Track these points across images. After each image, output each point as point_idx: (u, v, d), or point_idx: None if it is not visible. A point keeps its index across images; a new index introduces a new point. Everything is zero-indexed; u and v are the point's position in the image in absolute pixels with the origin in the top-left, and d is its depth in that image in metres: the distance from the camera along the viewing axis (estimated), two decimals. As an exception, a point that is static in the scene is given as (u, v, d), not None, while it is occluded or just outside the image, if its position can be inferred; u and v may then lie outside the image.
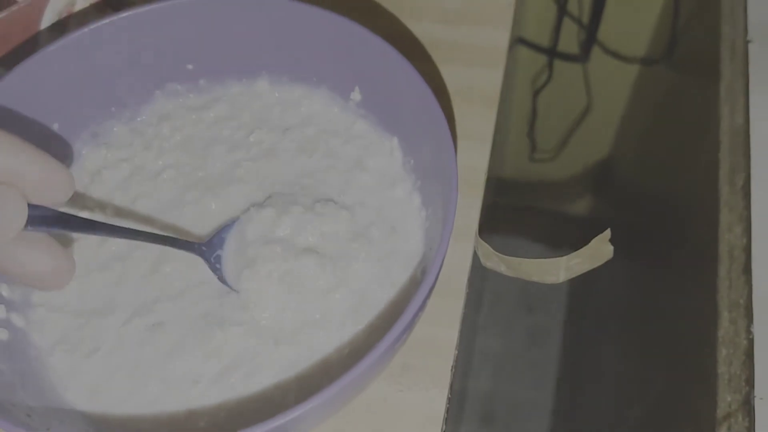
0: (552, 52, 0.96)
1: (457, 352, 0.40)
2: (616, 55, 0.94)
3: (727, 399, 0.42)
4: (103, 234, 0.34)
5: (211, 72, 0.46)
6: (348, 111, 0.45)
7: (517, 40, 0.92)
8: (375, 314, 0.38)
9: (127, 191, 0.43)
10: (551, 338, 1.16)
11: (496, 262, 0.44)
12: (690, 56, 0.78)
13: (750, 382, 0.40)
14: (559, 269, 0.43)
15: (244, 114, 0.46)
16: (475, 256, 0.45)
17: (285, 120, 0.46)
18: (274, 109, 0.46)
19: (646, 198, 0.90)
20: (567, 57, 0.96)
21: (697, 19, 0.77)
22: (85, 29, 0.40)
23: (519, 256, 0.44)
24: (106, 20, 0.41)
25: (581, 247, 0.43)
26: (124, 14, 0.41)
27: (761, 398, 0.39)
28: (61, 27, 0.44)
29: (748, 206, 0.45)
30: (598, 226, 0.44)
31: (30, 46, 0.43)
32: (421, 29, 0.52)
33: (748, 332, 0.41)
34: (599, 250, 0.43)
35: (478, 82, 0.50)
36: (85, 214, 0.42)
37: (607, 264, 0.45)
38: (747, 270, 0.43)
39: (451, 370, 0.39)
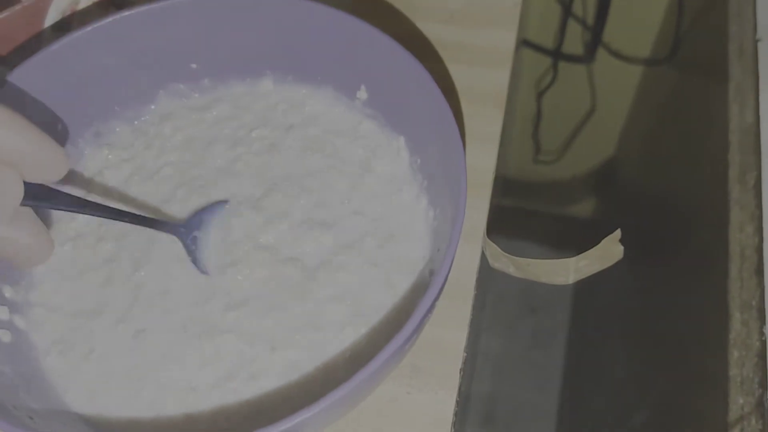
0: (556, 54, 0.96)
1: (465, 354, 0.40)
2: (620, 56, 0.93)
3: (739, 402, 0.41)
4: (87, 212, 0.35)
5: (214, 71, 0.45)
6: (354, 110, 0.45)
7: (522, 42, 0.91)
8: (378, 318, 0.38)
9: (127, 191, 0.43)
10: (555, 340, 1.16)
11: (504, 263, 0.44)
12: (695, 56, 0.78)
13: (763, 384, 0.39)
14: (568, 270, 0.43)
15: (246, 114, 0.46)
16: (482, 258, 0.44)
17: (288, 119, 0.45)
18: (277, 107, 0.46)
19: (651, 199, 0.90)
20: (571, 58, 0.95)
21: (702, 19, 0.77)
22: (89, 28, 0.40)
23: (523, 257, 0.43)
24: (110, 19, 0.40)
25: (585, 249, 0.43)
26: (127, 13, 0.41)
27: (774, 400, 0.39)
28: (65, 26, 0.44)
29: (759, 205, 0.44)
30: (602, 228, 0.44)
31: (34, 44, 0.43)
32: (427, 29, 0.52)
33: (761, 334, 0.41)
34: (609, 251, 0.42)
35: (485, 82, 0.49)
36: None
37: (612, 265, 0.44)
38: (759, 270, 0.43)
39: (460, 371, 0.39)
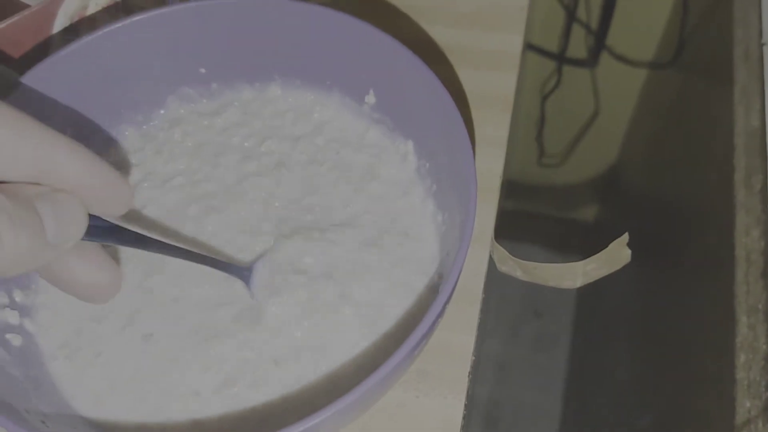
0: (560, 58, 0.96)
1: (474, 358, 0.40)
2: (624, 59, 0.93)
3: (746, 405, 0.41)
4: (154, 251, 0.34)
5: (223, 75, 0.45)
6: (362, 116, 0.45)
7: (526, 46, 0.91)
8: (391, 324, 0.38)
9: (137, 197, 0.43)
10: (558, 343, 1.16)
11: (511, 266, 0.44)
12: (699, 60, 0.78)
13: (771, 387, 0.39)
14: (576, 274, 0.43)
15: (255, 121, 0.46)
16: (490, 261, 0.44)
17: (297, 128, 0.45)
18: (286, 116, 0.46)
19: (655, 203, 0.90)
20: (575, 62, 0.96)
21: (706, 23, 0.77)
22: (98, 33, 0.40)
23: (528, 261, 0.43)
24: (118, 24, 0.40)
25: (589, 253, 0.43)
26: (136, 18, 0.41)
27: (782, 404, 0.39)
28: (74, 31, 0.44)
29: (765, 209, 0.44)
30: (606, 231, 0.44)
31: (42, 50, 0.43)
32: (434, 33, 0.52)
33: (769, 337, 0.41)
34: (616, 254, 0.42)
35: (492, 86, 0.50)
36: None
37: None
38: (765, 274, 0.43)
39: (468, 376, 0.39)
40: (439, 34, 0.52)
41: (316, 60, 0.44)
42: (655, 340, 0.79)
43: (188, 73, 0.45)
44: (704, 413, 0.52)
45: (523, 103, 1.02)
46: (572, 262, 0.44)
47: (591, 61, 0.95)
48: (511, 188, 1.17)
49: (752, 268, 0.45)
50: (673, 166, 0.82)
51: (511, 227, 1.14)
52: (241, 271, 0.38)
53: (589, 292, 1.10)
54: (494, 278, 0.47)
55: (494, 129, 0.48)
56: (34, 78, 0.39)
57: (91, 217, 0.29)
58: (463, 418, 0.38)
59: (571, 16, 0.91)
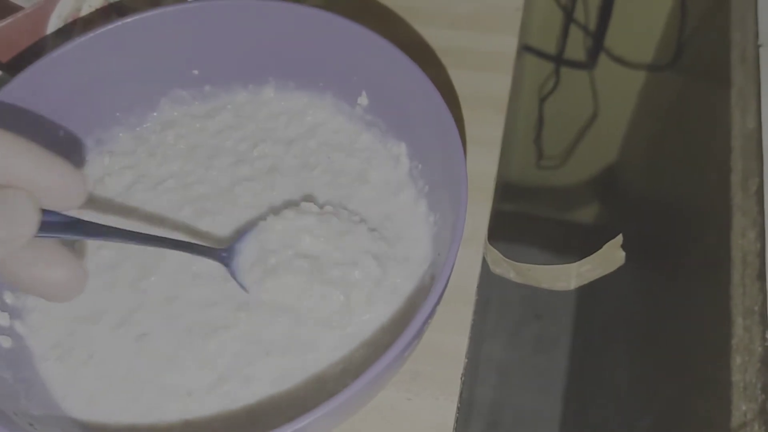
0: (558, 59, 0.96)
1: (466, 360, 0.40)
2: (622, 61, 0.93)
3: (742, 408, 0.41)
4: (118, 240, 0.33)
5: (216, 78, 0.45)
6: (354, 119, 0.45)
7: (524, 48, 0.91)
8: (382, 325, 0.38)
9: (130, 199, 0.43)
10: (558, 346, 1.16)
11: (505, 268, 0.44)
12: (697, 62, 0.78)
13: (766, 390, 0.39)
14: (570, 276, 0.43)
15: (249, 124, 0.46)
16: (484, 263, 0.44)
17: (290, 131, 0.45)
18: (279, 118, 0.46)
19: (653, 205, 0.89)
20: (574, 64, 0.95)
21: (704, 25, 0.77)
22: (91, 34, 0.40)
23: (524, 263, 0.43)
24: (112, 25, 0.40)
25: (587, 255, 0.43)
26: (129, 19, 0.41)
27: (777, 407, 0.39)
28: (67, 32, 0.44)
29: (761, 211, 0.44)
30: (604, 233, 0.44)
31: (36, 51, 0.43)
32: (429, 35, 0.52)
33: (764, 339, 0.40)
34: (611, 256, 0.42)
35: (487, 87, 0.49)
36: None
37: (615, 271, 0.44)
38: (761, 276, 0.42)
39: (461, 378, 0.39)
40: (434, 35, 0.52)
41: (309, 62, 0.44)
42: (655, 342, 0.79)
43: (181, 75, 0.45)
44: (703, 416, 0.52)
45: (522, 105, 1.02)
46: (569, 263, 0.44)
47: (589, 63, 0.95)
48: (510, 190, 1.17)
49: (748, 270, 0.44)
50: (671, 168, 0.82)
51: (510, 229, 1.14)
52: (218, 254, 0.37)
53: (588, 294, 1.10)
54: (494, 281, 0.46)
55: (489, 130, 0.48)
56: (27, 79, 0.38)
57: (46, 212, 0.28)
58: (456, 420, 0.38)
59: (568, 18, 0.91)
